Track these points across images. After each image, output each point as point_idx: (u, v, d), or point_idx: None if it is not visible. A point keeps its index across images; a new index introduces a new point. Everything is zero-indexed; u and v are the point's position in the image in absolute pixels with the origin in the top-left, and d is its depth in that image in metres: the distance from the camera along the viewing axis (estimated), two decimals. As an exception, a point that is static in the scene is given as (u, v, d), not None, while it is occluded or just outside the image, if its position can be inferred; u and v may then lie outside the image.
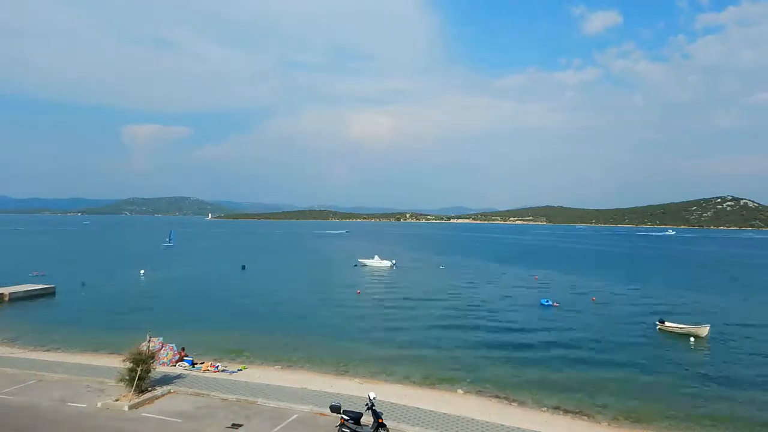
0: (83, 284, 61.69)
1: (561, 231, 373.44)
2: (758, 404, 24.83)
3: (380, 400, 20.35)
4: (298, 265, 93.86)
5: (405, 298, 55.25)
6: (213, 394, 23.24)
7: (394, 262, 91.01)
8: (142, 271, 74.71)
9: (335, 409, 18.72)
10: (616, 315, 47.11)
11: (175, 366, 28.01)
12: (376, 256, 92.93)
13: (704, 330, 39.29)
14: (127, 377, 22.17)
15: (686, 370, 30.60)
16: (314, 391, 23.79)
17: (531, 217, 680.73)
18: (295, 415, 20.87)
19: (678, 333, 39.88)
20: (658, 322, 42.27)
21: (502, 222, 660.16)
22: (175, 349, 29.23)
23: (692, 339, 38.25)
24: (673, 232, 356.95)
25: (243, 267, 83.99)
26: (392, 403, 21.89)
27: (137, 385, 22.25)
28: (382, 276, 77.24)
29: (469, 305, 51.34)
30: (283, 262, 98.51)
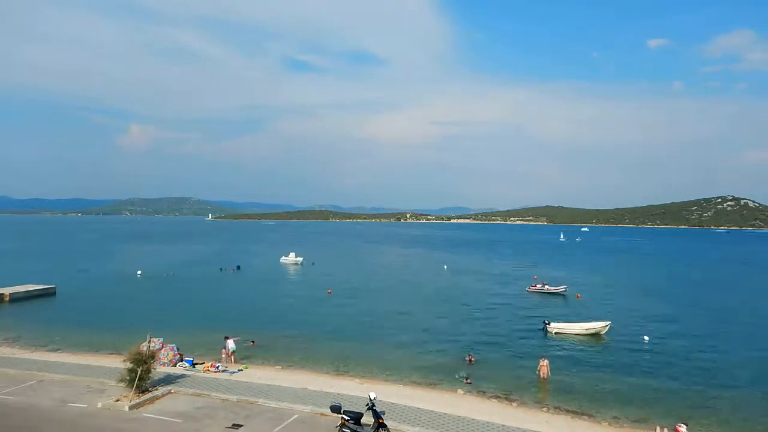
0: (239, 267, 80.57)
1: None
2: (755, 400, 24.91)
3: (380, 400, 20.35)
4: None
5: (404, 299, 55.32)
6: (213, 394, 23.25)
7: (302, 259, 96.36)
8: (139, 272, 74.75)
9: (336, 409, 18.73)
10: (606, 315, 47.07)
11: (175, 366, 28.03)
12: (291, 253, 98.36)
13: (604, 326, 39.32)
14: (128, 377, 22.18)
15: (678, 367, 30.71)
16: (314, 391, 23.81)
17: (531, 217, 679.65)
18: (296, 416, 20.88)
19: (573, 333, 39.03)
20: (544, 323, 40.47)
21: (502, 222, 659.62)
22: (175, 349, 29.24)
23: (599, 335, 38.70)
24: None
25: (238, 267, 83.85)
26: (392, 403, 21.87)
27: (138, 386, 22.27)
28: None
29: (468, 304, 51.40)
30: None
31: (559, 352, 33.96)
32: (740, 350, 35.48)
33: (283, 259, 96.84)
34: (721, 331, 41.37)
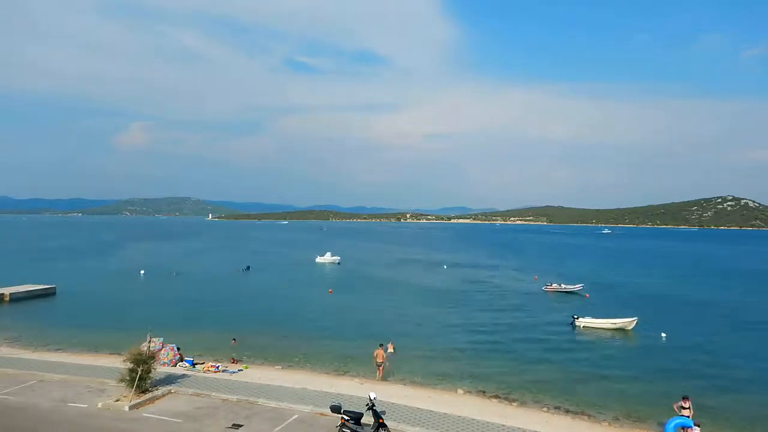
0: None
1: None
2: (759, 402, 24.90)
3: (380, 400, 20.32)
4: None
5: (403, 298, 55.31)
6: (213, 394, 23.23)
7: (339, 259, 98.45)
8: (142, 272, 74.81)
9: (336, 409, 18.70)
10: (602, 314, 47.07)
11: (175, 366, 28.02)
12: (327, 253, 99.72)
13: (631, 322, 39.48)
14: (128, 377, 22.14)
15: (682, 367, 30.67)
16: (315, 391, 23.78)
17: (531, 217, 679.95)
18: (296, 416, 20.86)
19: (600, 328, 39.51)
20: (573, 318, 41.20)
21: (502, 222, 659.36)
22: (175, 349, 29.22)
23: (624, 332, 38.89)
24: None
25: (248, 267, 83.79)
26: (392, 403, 21.85)
27: (138, 386, 22.23)
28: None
29: (468, 304, 51.39)
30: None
31: (561, 351, 33.96)
32: (747, 351, 35.35)
33: (319, 259, 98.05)
34: (730, 332, 41.30)
